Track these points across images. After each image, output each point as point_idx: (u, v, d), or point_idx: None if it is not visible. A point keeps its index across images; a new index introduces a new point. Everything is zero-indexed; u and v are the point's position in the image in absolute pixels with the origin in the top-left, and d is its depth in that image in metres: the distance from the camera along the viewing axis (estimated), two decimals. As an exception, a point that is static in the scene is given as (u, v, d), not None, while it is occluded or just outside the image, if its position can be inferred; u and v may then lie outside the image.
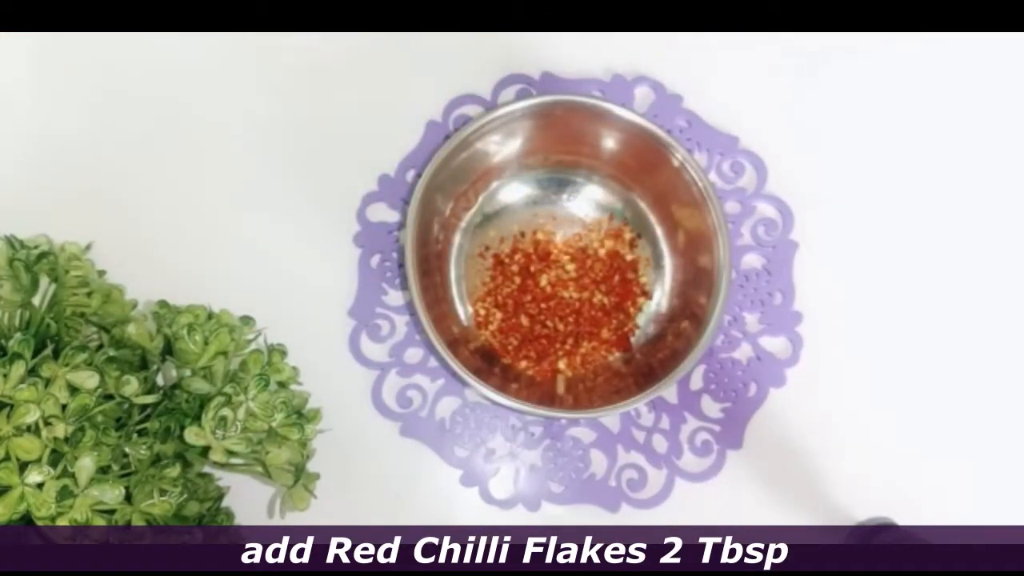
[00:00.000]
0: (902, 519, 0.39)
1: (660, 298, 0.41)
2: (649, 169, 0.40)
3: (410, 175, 0.42)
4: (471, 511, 0.39)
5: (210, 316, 0.35)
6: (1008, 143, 0.44)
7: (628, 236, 0.42)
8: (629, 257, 0.41)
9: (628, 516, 0.39)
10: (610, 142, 0.40)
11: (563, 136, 0.40)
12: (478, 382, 0.35)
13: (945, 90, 0.44)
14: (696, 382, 0.41)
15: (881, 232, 0.43)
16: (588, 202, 0.42)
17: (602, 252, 0.41)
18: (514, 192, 0.42)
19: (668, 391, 0.40)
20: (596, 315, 0.41)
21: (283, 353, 0.36)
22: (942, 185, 0.43)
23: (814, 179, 0.43)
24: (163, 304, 0.36)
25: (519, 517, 0.39)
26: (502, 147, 0.40)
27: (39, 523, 0.30)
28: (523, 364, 0.40)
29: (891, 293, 0.42)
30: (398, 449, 0.39)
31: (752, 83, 0.44)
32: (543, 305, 0.41)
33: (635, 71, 0.43)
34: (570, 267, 0.41)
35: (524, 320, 0.41)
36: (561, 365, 0.40)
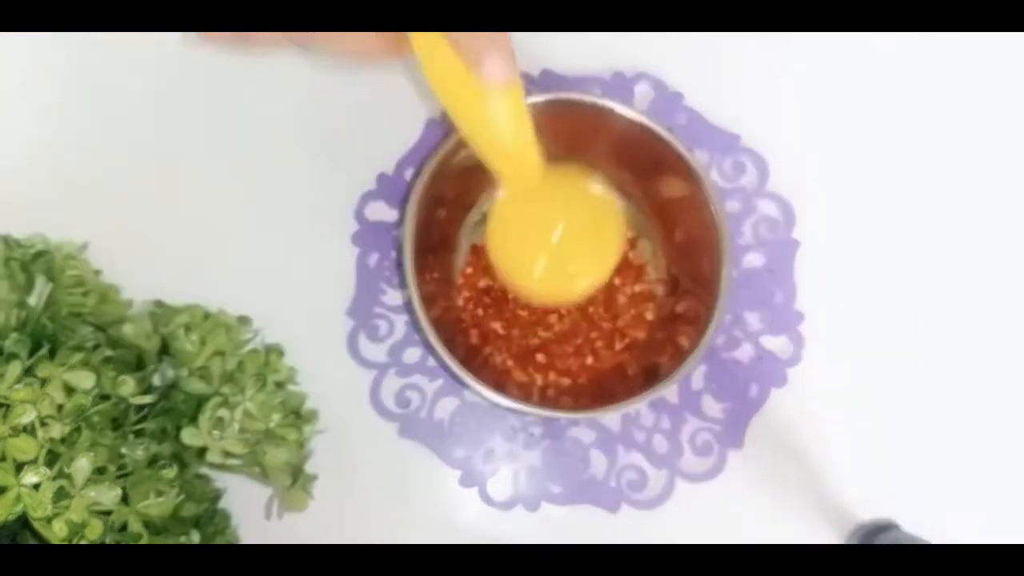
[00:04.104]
0: (904, 519, 0.39)
1: (661, 297, 0.41)
2: (649, 168, 0.39)
3: (409, 173, 0.42)
4: (470, 512, 0.39)
5: (207, 316, 0.35)
6: (1010, 143, 0.43)
7: (628, 236, 0.41)
8: (630, 255, 0.41)
9: (628, 516, 0.39)
10: (610, 141, 0.39)
11: (563, 134, 0.40)
12: (476, 382, 0.35)
13: (948, 89, 0.44)
14: (697, 382, 0.41)
15: (883, 231, 0.43)
16: None
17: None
18: None
19: (668, 391, 0.40)
20: (597, 314, 0.40)
21: (281, 353, 0.36)
22: (945, 184, 0.43)
23: (816, 178, 0.43)
24: (160, 304, 0.36)
25: (518, 518, 0.39)
26: None
27: (35, 524, 0.30)
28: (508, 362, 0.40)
29: (893, 292, 0.42)
30: (397, 450, 0.39)
31: (754, 81, 0.43)
32: (536, 311, 0.40)
33: (635, 69, 0.43)
34: None
35: (523, 314, 0.40)
36: (532, 370, 0.40)
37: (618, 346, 0.40)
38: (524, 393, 0.39)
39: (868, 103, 0.44)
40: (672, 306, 0.40)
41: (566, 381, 0.40)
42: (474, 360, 0.39)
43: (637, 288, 0.41)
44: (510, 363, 0.40)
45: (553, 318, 0.40)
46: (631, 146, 0.39)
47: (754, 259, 0.42)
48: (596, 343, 0.40)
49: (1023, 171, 0.43)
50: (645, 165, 0.39)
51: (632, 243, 0.41)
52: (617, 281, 0.41)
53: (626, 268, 0.41)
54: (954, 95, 0.44)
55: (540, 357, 0.40)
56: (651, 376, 0.37)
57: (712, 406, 0.40)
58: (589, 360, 0.40)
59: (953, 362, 0.41)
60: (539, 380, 0.40)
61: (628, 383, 0.38)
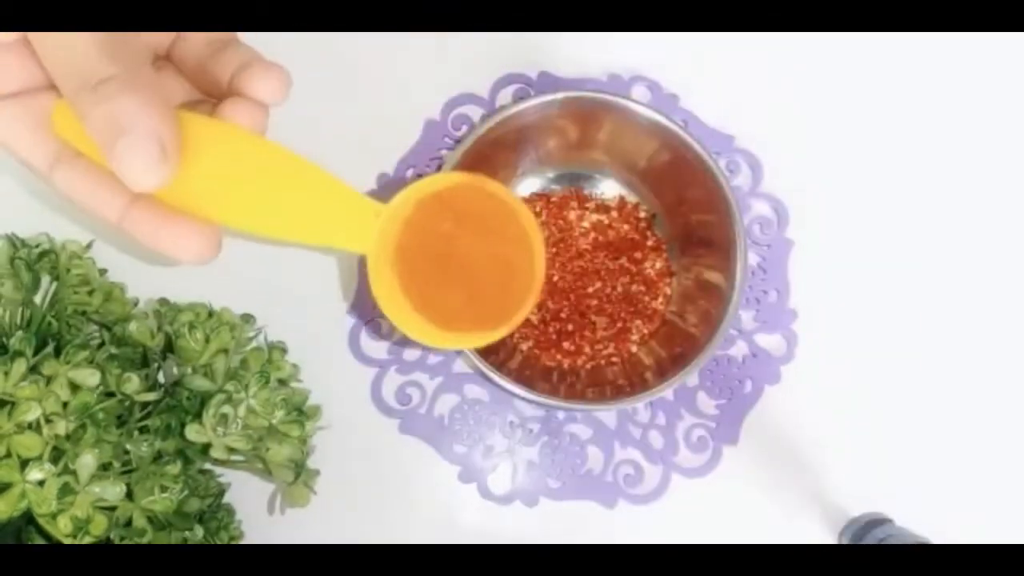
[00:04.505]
0: (898, 514, 0.40)
1: (677, 295, 0.41)
2: (671, 174, 0.40)
3: (409, 174, 0.42)
4: (469, 507, 0.40)
5: (211, 314, 0.35)
6: (1005, 143, 0.44)
7: (645, 215, 0.42)
8: (647, 256, 0.42)
9: (625, 511, 0.40)
10: (630, 143, 0.40)
11: (580, 134, 0.40)
12: (491, 370, 0.35)
13: (942, 89, 0.44)
14: (692, 379, 0.41)
15: (876, 230, 0.43)
16: (603, 202, 0.42)
17: (619, 261, 0.41)
18: (529, 187, 0.42)
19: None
20: (605, 309, 0.41)
21: (283, 351, 0.36)
22: (938, 183, 0.44)
23: (810, 177, 0.43)
24: (164, 302, 0.37)
25: (517, 513, 0.40)
26: (518, 143, 0.40)
27: (40, 520, 0.30)
28: (535, 350, 0.40)
29: (886, 290, 0.43)
30: (397, 446, 0.40)
31: (748, 82, 0.44)
32: (556, 296, 0.41)
33: (632, 70, 0.43)
34: (584, 263, 0.41)
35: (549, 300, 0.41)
36: (559, 356, 0.41)
37: (645, 329, 0.41)
38: (549, 382, 0.39)
39: (862, 104, 0.44)
40: (682, 308, 0.41)
41: (573, 370, 0.40)
42: (500, 347, 0.39)
43: (651, 287, 0.41)
44: (524, 348, 0.40)
45: (566, 310, 0.41)
46: (653, 152, 0.39)
47: (749, 258, 0.42)
48: (606, 338, 0.41)
49: (1016, 171, 0.44)
50: (668, 174, 0.40)
51: (649, 221, 0.42)
52: (629, 282, 0.41)
53: (641, 272, 0.41)
54: (948, 95, 0.44)
55: (567, 344, 0.40)
56: (676, 361, 0.37)
57: (707, 403, 0.41)
58: (599, 353, 0.41)
59: (945, 360, 0.42)
60: (566, 364, 0.40)
61: (633, 380, 0.39)
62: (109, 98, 0.21)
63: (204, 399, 0.33)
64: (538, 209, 0.42)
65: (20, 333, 0.32)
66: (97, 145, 0.22)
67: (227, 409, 0.33)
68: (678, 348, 0.39)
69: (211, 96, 0.27)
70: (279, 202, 0.26)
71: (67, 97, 0.22)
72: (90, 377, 0.31)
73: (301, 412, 0.35)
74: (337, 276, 0.41)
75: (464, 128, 0.42)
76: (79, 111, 0.22)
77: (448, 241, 0.27)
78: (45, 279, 0.35)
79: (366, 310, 0.41)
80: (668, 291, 0.41)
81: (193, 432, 0.33)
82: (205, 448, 0.33)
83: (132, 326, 0.35)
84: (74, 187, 0.25)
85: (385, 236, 0.26)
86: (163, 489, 0.32)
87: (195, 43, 0.27)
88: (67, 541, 0.30)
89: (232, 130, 0.25)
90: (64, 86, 0.22)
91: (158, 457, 0.32)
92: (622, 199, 0.42)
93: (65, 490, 0.30)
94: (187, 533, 0.33)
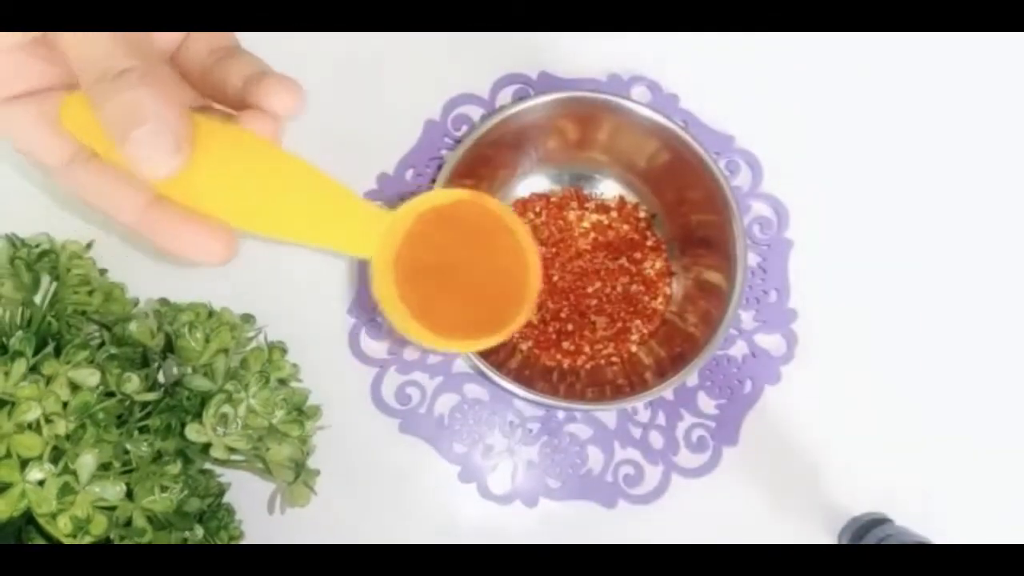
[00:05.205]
0: (897, 514, 0.40)
1: (676, 295, 0.41)
2: (670, 174, 0.40)
3: (409, 174, 0.42)
4: (469, 507, 0.40)
5: (211, 314, 0.35)
6: (1005, 144, 0.44)
7: (645, 215, 0.42)
8: (647, 257, 0.42)
9: (625, 511, 0.40)
10: (630, 143, 0.40)
11: (580, 134, 0.40)
12: (491, 370, 0.35)
13: (942, 90, 0.44)
14: (692, 379, 0.41)
15: (876, 230, 0.43)
16: (603, 202, 0.42)
17: (619, 262, 0.41)
18: (529, 187, 0.42)
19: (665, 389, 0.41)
20: (604, 309, 0.41)
21: (283, 351, 0.36)
22: (937, 184, 0.44)
23: (809, 178, 0.43)
24: (164, 302, 0.37)
25: (517, 512, 0.40)
26: (518, 143, 0.40)
27: (40, 520, 0.30)
28: (535, 350, 0.41)
29: (886, 290, 0.43)
30: (397, 445, 0.40)
31: (748, 83, 0.44)
32: (556, 296, 0.41)
33: (631, 71, 0.43)
34: (583, 263, 0.41)
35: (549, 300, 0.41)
36: (559, 356, 0.41)
37: (645, 329, 0.41)
38: (549, 381, 0.39)
39: (862, 104, 0.44)
40: (682, 308, 0.41)
41: (573, 370, 0.40)
42: (500, 346, 0.39)
43: (651, 287, 0.41)
44: (523, 349, 0.40)
45: (566, 310, 0.41)
46: (653, 151, 0.39)
47: (748, 258, 0.42)
48: (606, 337, 0.41)
49: (1016, 171, 0.44)
50: (667, 172, 0.40)
51: (648, 221, 0.42)
52: (629, 282, 0.41)
53: (641, 271, 0.41)
54: (948, 95, 0.44)
55: (567, 344, 0.40)
56: (676, 361, 0.37)
57: (707, 403, 0.41)
58: (598, 353, 0.41)
59: (945, 359, 0.42)
60: (566, 364, 0.40)
61: (632, 379, 0.39)
62: (127, 87, 0.22)
63: (204, 399, 0.33)
64: (538, 209, 0.42)
65: (20, 333, 0.32)
66: (110, 134, 0.22)
67: (227, 409, 0.33)
68: (678, 348, 0.39)
69: (215, 101, 0.28)
70: (287, 205, 0.26)
71: (85, 87, 0.23)
72: (90, 377, 0.31)
73: (301, 412, 0.35)
74: (337, 276, 0.41)
75: (464, 128, 0.42)
76: (96, 101, 0.23)
77: (446, 253, 0.28)
78: (45, 279, 0.35)
79: (366, 310, 0.41)
80: (668, 291, 0.42)
81: (193, 432, 0.33)
82: (205, 448, 0.33)
83: (132, 326, 0.35)
84: (90, 188, 0.25)
85: (387, 244, 0.27)
86: (163, 489, 0.32)
87: (199, 50, 0.28)
88: (67, 541, 0.30)
89: (245, 134, 0.26)
90: (84, 76, 0.23)
91: (158, 457, 0.32)
92: (622, 199, 0.42)
93: (65, 490, 0.30)
94: (187, 533, 0.33)
